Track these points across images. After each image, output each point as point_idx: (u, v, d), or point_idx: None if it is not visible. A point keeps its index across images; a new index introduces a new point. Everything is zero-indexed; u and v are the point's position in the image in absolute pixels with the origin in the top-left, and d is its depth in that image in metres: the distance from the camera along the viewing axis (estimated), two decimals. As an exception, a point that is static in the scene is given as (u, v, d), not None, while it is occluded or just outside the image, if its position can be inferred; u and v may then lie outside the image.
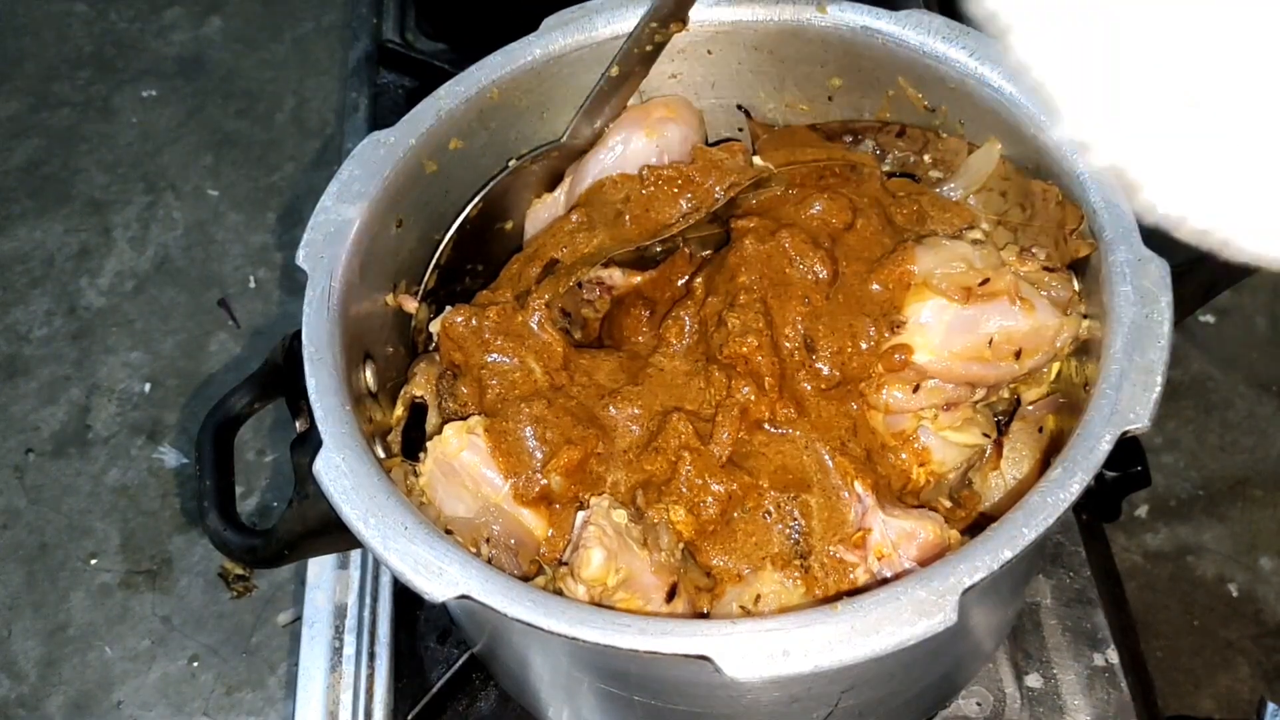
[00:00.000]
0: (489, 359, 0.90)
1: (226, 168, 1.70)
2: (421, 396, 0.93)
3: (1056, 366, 0.89)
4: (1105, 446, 0.75)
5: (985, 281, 0.86)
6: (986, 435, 0.89)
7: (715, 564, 0.83)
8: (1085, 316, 0.87)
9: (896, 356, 0.86)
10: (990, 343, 0.85)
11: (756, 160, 1.00)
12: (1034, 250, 0.90)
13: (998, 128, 0.95)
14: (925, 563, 0.76)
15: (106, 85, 1.81)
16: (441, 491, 0.85)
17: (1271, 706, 1.04)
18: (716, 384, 0.87)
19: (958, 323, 0.85)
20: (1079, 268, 0.88)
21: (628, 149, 1.02)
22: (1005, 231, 0.94)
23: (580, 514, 0.82)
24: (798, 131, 1.04)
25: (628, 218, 0.99)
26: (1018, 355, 0.86)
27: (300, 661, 1.10)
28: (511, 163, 1.02)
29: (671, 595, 0.80)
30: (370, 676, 1.08)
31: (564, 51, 1.01)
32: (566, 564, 0.79)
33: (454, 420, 0.88)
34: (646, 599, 0.79)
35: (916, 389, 0.87)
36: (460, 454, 0.84)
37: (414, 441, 0.91)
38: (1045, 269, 0.88)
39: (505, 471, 0.84)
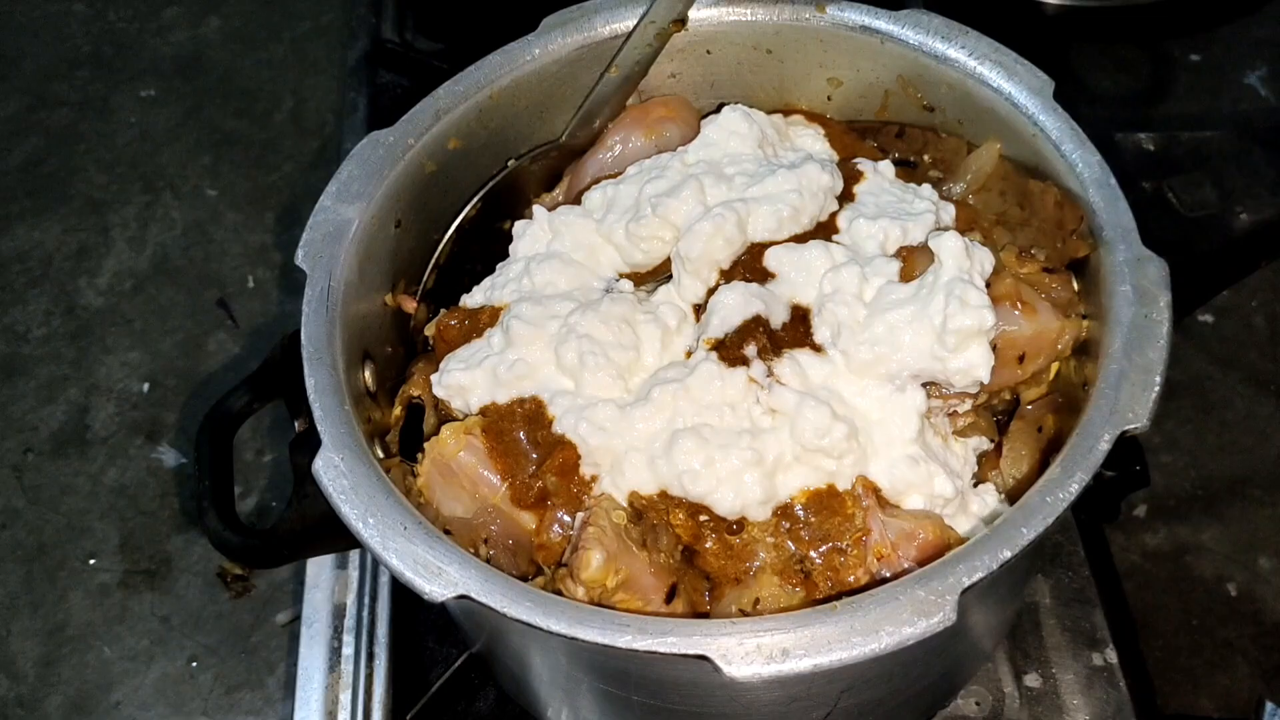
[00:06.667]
0: None
1: (225, 167, 1.70)
2: (419, 397, 0.93)
3: (1055, 366, 0.89)
4: (1104, 446, 0.75)
5: (986, 286, 0.86)
6: (991, 440, 0.88)
7: (714, 567, 0.83)
8: (1085, 317, 0.87)
9: None
10: (993, 348, 0.85)
11: None
12: (1033, 251, 0.90)
13: (996, 127, 0.95)
14: (925, 563, 0.76)
15: (105, 85, 1.81)
16: (439, 492, 0.84)
17: (1270, 706, 1.04)
18: None
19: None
20: (1078, 267, 0.88)
21: (627, 149, 1.02)
22: (1004, 231, 0.94)
23: (579, 514, 0.82)
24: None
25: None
26: (1021, 360, 0.85)
27: (299, 661, 1.10)
28: (511, 163, 1.02)
29: (671, 596, 0.80)
30: (369, 676, 1.08)
31: (563, 51, 1.01)
32: (566, 565, 0.79)
33: (451, 421, 0.88)
34: (646, 600, 0.79)
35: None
36: (458, 455, 0.84)
37: (413, 442, 0.91)
38: (1045, 270, 0.88)
39: (502, 472, 0.84)
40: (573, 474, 0.83)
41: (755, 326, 0.85)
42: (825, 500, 0.81)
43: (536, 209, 0.98)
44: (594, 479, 0.83)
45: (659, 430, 0.82)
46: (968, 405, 0.86)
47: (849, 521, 0.81)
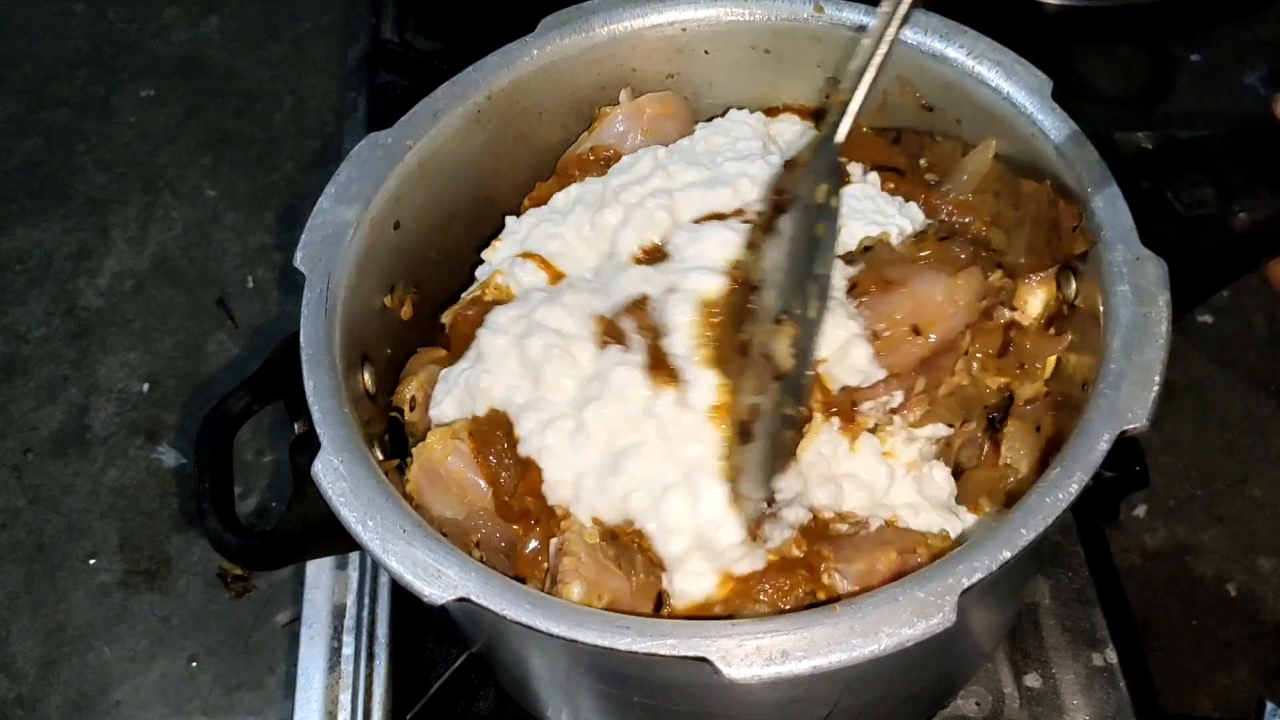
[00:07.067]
0: None
1: (225, 167, 1.70)
2: (414, 398, 0.93)
3: (1052, 363, 0.89)
4: (1104, 446, 0.75)
5: (854, 287, 0.87)
6: (950, 426, 0.88)
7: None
8: (1000, 267, 0.87)
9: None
10: (876, 335, 0.85)
11: None
12: (926, 229, 0.92)
13: (994, 127, 0.95)
14: (899, 577, 0.75)
15: (105, 85, 1.81)
16: (429, 497, 0.84)
17: (1270, 706, 1.04)
18: None
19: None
20: (1078, 263, 0.88)
21: (624, 147, 1.02)
22: (999, 231, 0.94)
23: (554, 541, 0.81)
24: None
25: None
26: (916, 330, 0.85)
27: (299, 662, 1.10)
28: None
29: (660, 604, 0.80)
30: (369, 676, 1.08)
31: (561, 52, 1.01)
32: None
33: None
34: (636, 612, 0.79)
35: (852, 417, 0.86)
36: (446, 460, 0.84)
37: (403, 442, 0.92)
38: (941, 239, 0.89)
39: (488, 478, 0.84)
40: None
41: (640, 306, 0.88)
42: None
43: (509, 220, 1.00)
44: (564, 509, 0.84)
45: (604, 449, 0.83)
46: (899, 397, 0.86)
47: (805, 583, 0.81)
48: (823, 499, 0.83)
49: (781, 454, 0.80)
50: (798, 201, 0.88)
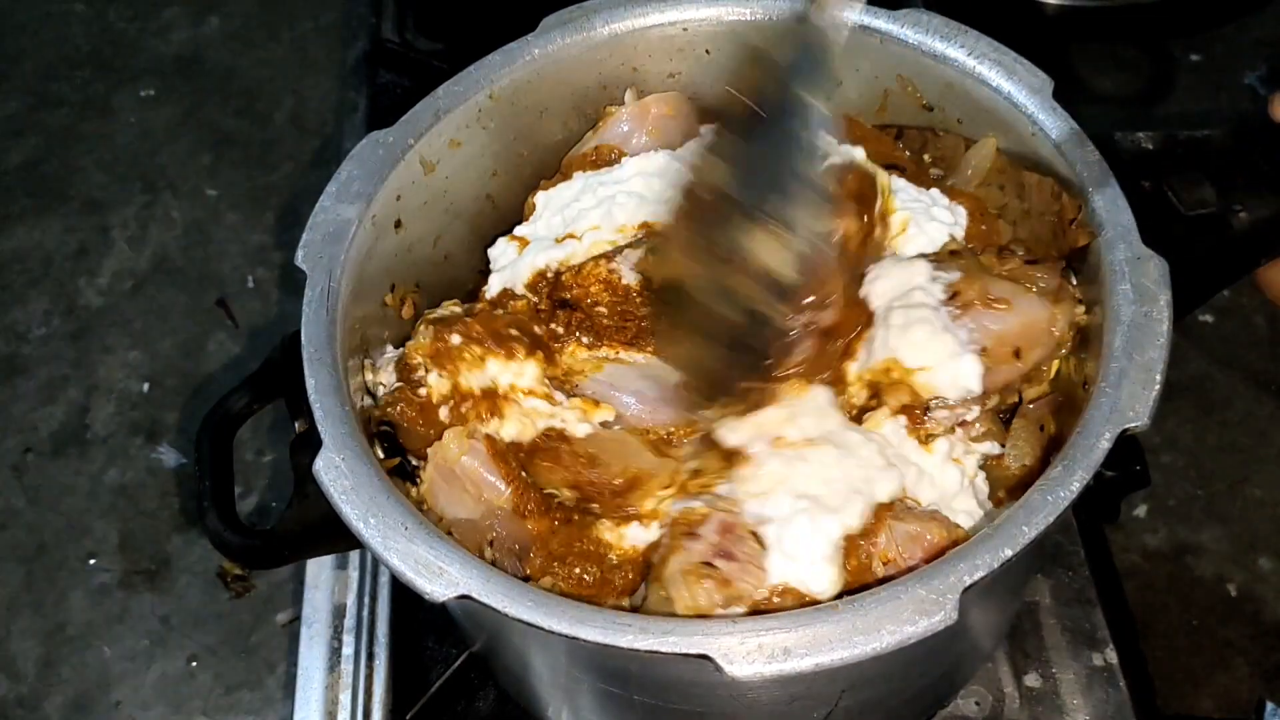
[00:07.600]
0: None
1: (225, 167, 1.70)
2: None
3: (1056, 364, 0.89)
4: (1105, 445, 0.75)
5: (954, 295, 0.86)
6: (1000, 445, 0.88)
7: None
8: (1080, 301, 0.87)
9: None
10: (984, 351, 0.85)
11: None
12: (1012, 247, 0.90)
13: (995, 125, 0.95)
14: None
15: (105, 85, 1.81)
16: (443, 499, 0.84)
17: (1270, 706, 1.04)
18: None
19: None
20: (1078, 263, 0.88)
21: (629, 147, 1.02)
22: (1006, 224, 0.94)
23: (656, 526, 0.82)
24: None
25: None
26: (1018, 354, 0.85)
27: (299, 661, 1.10)
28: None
29: None
30: (369, 676, 1.08)
31: (562, 51, 1.01)
32: (664, 594, 0.79)
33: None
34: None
35: (922, 421, 0.86)
36: (460, 459, 0.84)
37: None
38: (1028, 262, 0.88)
39: (506, 476, 0.84)
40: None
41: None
42: None
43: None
44: None
45: None
46: (976, 411, 0.86)
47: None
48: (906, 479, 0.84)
49: (761, 363, 0.78)
50: (783, 101, 0.81)
